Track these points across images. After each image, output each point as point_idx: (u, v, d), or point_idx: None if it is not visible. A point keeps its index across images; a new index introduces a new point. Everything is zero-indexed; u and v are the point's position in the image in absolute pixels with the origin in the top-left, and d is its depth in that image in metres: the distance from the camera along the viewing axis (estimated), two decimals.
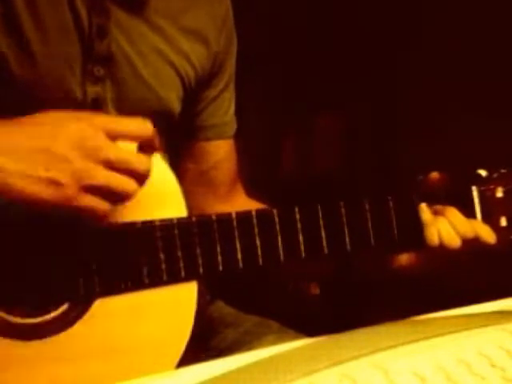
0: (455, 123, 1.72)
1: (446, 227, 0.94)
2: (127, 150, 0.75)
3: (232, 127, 1.10)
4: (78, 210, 0.73)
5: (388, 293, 1.06)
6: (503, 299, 0.66)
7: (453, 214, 0.95)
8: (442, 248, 0.93)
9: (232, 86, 1.09)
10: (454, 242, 0.93)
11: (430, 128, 1.79)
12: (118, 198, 0.75)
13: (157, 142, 0.78)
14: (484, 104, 1.66)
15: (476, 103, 1.67)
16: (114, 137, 0.74)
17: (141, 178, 0.75)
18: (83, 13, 0.87)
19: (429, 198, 0.96)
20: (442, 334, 0.52)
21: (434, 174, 0.99)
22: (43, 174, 0.70)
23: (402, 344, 0.50)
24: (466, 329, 0.52)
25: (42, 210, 0.73)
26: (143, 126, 0.77)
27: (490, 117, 1.64)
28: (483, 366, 0.48)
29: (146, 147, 0.77)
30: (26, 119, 0.74)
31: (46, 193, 0.71)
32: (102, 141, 0.73)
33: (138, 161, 0.75)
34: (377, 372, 0.47)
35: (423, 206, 0.95)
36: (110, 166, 0.73)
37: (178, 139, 1.03)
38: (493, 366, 0.48)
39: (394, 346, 0.50)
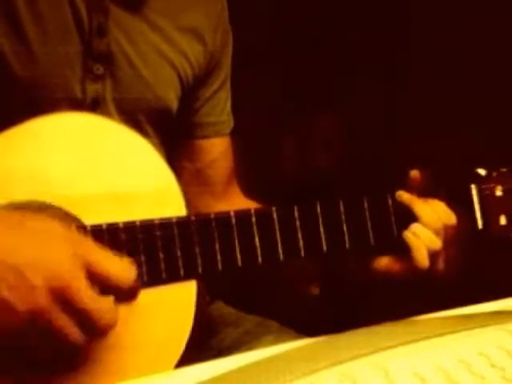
0: (455, 122, 1.72)
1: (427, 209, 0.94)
2: (97, 300, 0.70)
3: (229, 125, 1.11)
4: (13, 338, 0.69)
5: (388, 293, 1.06)
6: (503, 299, 0.66)
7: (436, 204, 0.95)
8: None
9: (228, 85, 1.10)
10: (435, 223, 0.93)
11: (430, 127, 1.79)
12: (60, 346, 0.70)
13: (135, 291, 0.74)
14: (484, 102, 1.66)
15: (476, 102, 1.67)
16: (92, 276, 0.70)
17: (95, 332, 0.71)
18: (83, 11, 0.88)
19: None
20: (442, 334, 0.51)
21: (414, 172, 0.98)
22: (5, 292, 0.67)
23: (402, 344, 0.50)
24: (466, 329, 0.52)
25: None
26: (125, 276, 0.73)
27: (489, 116, 1.64)
28: (483, 365, 0.48)
29: (122, 296, 0.73)
30: (17, 223, 0.71)
31: None
32: (76, 282, 0.69)
33: (101, 315, 0.70)
34: (377, 372, 0.47)
35: (401, 193, 0.95)
36: (71, 310, 0.69)
37: (174, 138, 1.03)
38: (493, 366, 0.48)
39: (394, 346, 0.50)
